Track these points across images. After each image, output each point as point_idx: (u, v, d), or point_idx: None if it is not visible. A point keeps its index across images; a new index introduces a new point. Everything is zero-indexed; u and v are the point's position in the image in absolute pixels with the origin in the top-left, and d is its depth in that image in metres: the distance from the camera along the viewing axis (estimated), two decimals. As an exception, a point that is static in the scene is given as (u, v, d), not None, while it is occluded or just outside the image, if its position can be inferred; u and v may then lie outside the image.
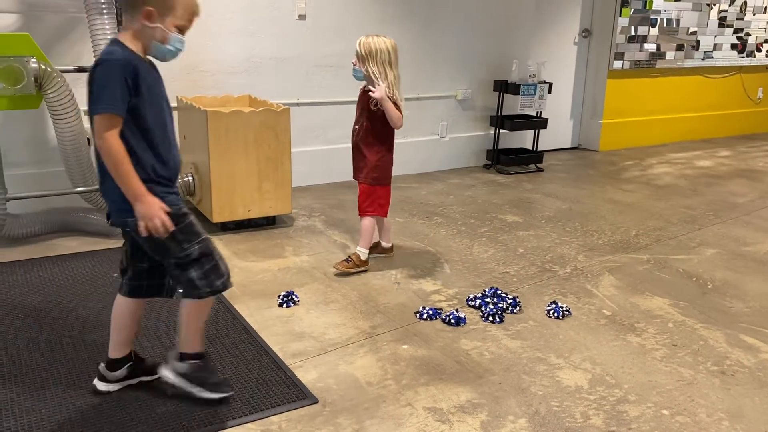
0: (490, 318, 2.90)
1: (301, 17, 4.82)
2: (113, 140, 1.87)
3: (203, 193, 3.90)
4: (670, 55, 7.16)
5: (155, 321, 2.77)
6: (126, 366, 2.24)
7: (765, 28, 7.98)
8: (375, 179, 3.32)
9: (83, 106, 3.72)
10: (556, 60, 6.47)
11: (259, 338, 2.67)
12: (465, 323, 2.86)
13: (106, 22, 3.47)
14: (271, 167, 3.87)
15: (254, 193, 3.88)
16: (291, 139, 3.92)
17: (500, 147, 5.93)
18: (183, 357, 2.19)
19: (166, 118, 2.05)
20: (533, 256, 3.72)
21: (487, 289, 3.15)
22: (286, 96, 4.76)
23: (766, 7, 7.90)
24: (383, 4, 5.13)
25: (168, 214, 1.97)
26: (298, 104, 4.88)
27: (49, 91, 3.41)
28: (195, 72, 4.48)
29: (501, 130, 5.86)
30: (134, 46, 1.95)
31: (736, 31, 7.69)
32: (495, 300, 3.03)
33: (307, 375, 2.41)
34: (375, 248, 3.57)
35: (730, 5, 7.52)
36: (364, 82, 3.28)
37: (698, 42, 7.35)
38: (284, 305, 2.99)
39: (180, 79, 4.37)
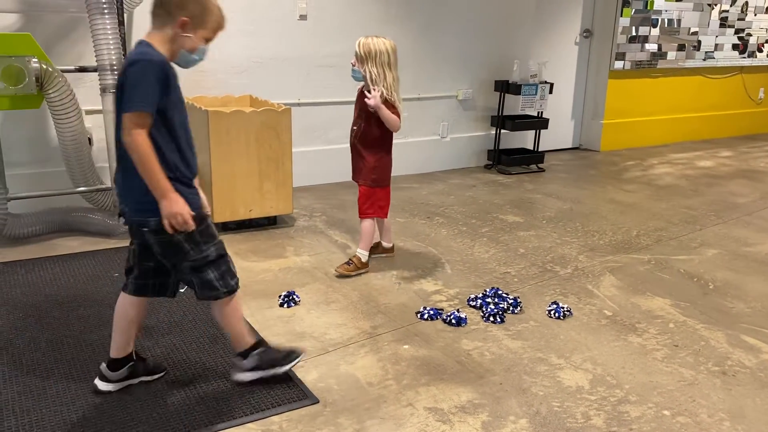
0: (491, 318, 2.90)
1: (302, 17, 4.82)
2: (142, 138, 1.91)
3: (204, 193, 3.89)
4: (671, 55, 7.16)
5: (155, 321, 2.77)
6: (127, 366, 2.24)
7: (766, 29, 7.98)
8: (374, 181, 3.32)
9: (84, 105, 3.77)
10: (557, 60, 6.47)
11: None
12: (466, 323, 2.86)
13: (107, 21, 3.47)
14: (272, 167, 3.87)
15: (255, 193, 3.88)
16: (292, 139, 3.92)
17: (501, 147, 5.93)
18: (245, 354, 2.27)
19: (186, 120, 2.11)
20: (534, 257, 3.72)
21: (488, 290, 3.15)
22: (287, 96, 4.76)
23: (767, 8, 7.90)
24: (384, 4, 5.13)
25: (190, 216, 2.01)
26: (299, 104, 4.88)
27: (50, 91, 3.41)
28: (196, 72, 4.46)
29: (502, 131, 5.86)
30: (163, 50, 2.01)
31: (737, 32, 7.69)
32: (496, 300, 3.03)
33: (307, 375, 2.41)
34: (376, 248, 3.57)
35: (731, 5, 7.51)
36: (363, 83, 3.27)
37: (699, 42, 7.35)
38: (285, 305, 2.99)
39: (181, 79, 4.31)
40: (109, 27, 3.48)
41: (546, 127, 5.95)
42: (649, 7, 6.79)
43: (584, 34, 6.71)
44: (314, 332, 2.74)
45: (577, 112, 6.93)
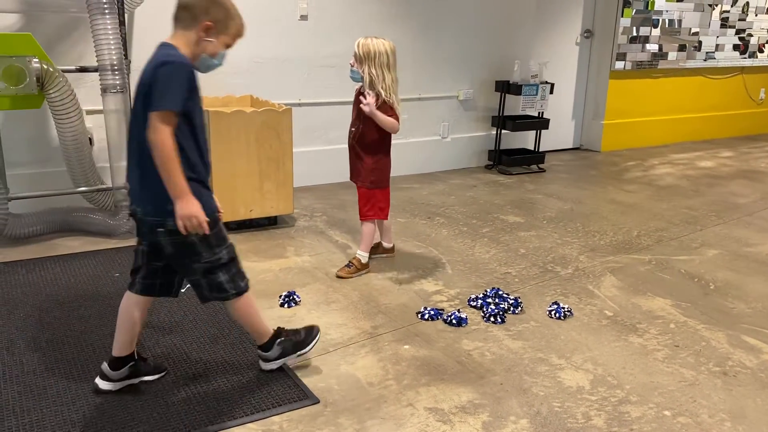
0: (492, 318, 2.90)
1: (303, 17, 4.82)
2: (168, 137, 1.93)
3: (205, 193, 3.90)
4: (672, 55, 7.15)
5: (156, 321, 2.77)
6: (129, 365, 2.24)
7: (767, 29, 7.97)
8: (373, 183, 3.31)
9: (85, 105, 3.77)
10: (557, 60, 6.47)
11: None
12: (466, 324, 2.86)
13: (108, 21, 3.47)
14: (273, 167, 3.87)
15: (256, 193, 3.88)
16: (293, 139, 3.92)
17: (502, 147, 5.93)
18: (268, 345, 2.35)
19: (204, 123, 2.14)
20: (535, 257, 3.72)
21: (488, 290, 3.15)
22: (287, 96, 4.77)
23: (768, 8, 7.90)
24: (385, 4, 5.13)
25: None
26: (299, 104, 4.88)
27: (51, 91, 3.41)
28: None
29: (503, 131, 5.86)
30: (186, 53, 2.04)
31: (738, 32, 7.68)
32: (496, 300, 3.03)
33: (308, 375, 2.41)
34: (376, 249, 3.57)
35: (732, 6, 7.51)
36: (361, 83, 3.25)
37: (700, 43, 7.34)
38: (286, 305, 2.99)
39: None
40: (110, 27, 3.48)
41: (547, 128, 5.94)
42: (649, 8, 6.79)
43: (585, 35, 6.71)
44: (315, 332, 2.74)
45: (577, 113, 6.93)
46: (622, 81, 6.83)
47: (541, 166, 5.94)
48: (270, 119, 3.79)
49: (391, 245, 3.64)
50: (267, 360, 2.38)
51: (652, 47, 6.95)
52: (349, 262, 3.38)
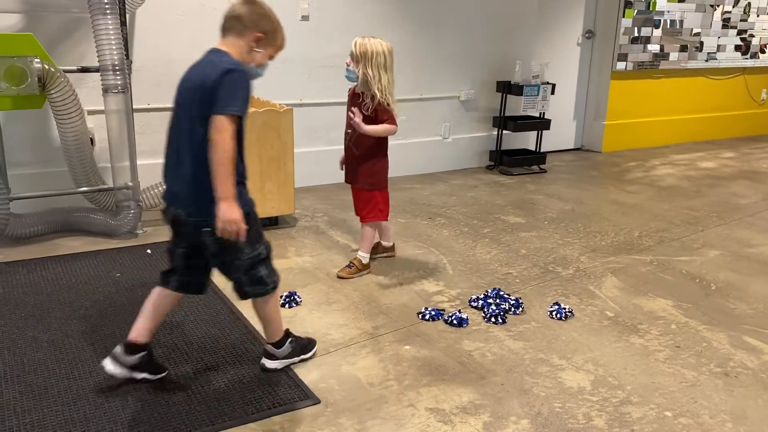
0: (493, 319, 2.89)
1: (304, 18, 4.82)
2: (230, 139, 2.00)
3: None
4: (674, 56, 7.15)
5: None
6: (140, 354, 2.26)
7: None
8: (371, 185, 3.30)
9: (86, 106, 3.77)
10: (559, 61, 6.46)
11: (262, 339, 2.66)
12: (467, 324, 2.86)
13: (110, 22, 3.47)
14: (274, 167, 3.87)
15: (256, 193, 3.83)
16: (294, 139, 3.92)
17: (503, 148, 5.93)
18: (280, 343, 2.41)
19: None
20: (536, 257, 3.71)
21: (489, 290, 3.15)
22: (288, 96, 4.77)
23: (769, 9, 7.89)
24: (386, 4, 5.13)
25: (246, 214, 2.09)
26: (300, 105, 4.88)
27: (52, 91, 3.41)
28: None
29: (504, 131, 5.86)
30: (238, 60, 2.09)
31: (739, 33, 7.68)
32: (497, 301, 3.03)
33: (309, 375, 2.41)
34: (376, 248, 3.57)
35: (733, 6, 7.50)
36: (355, 83, 3.23)
37: (702, 43, 7.34)
38: (287, 306, 2.99)
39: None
40: (111, 27, 3.48)
41: (548, 128, 5.94)
42: (651, 8, 6.78)
43: (586, 35, 6.70)
44: (316, 333, 2.74)
45: (579, 113, 6.92)
46: (623, 81, 6.82)
47: (542, 166, 5.94)
48: (271, 119, 3.79)
49: (391, 244, 3.64)
50: (275, 358, 2.41)
51: (654, 48, 6.94)
52: (350, 262, 3.38)
